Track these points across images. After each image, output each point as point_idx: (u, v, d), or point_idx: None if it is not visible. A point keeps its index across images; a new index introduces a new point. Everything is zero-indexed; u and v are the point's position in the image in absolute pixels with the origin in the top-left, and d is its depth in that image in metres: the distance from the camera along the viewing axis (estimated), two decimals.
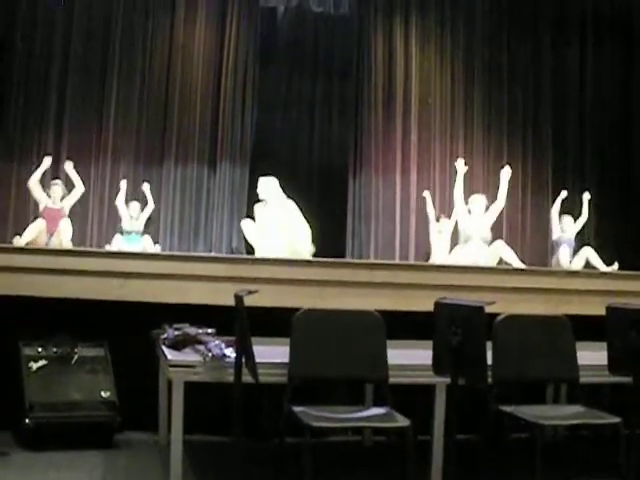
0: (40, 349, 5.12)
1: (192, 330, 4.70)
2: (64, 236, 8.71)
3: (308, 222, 8.67)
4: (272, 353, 4.25)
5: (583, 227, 10.22)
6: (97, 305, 5.12)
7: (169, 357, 4.36)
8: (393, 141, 10.78)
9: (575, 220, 9.98)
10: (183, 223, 10.28)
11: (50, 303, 5.05)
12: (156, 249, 9.32)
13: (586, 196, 10.07)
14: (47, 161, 9.08)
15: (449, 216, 9.80)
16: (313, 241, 8.62)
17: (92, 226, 9.91)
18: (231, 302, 3.95)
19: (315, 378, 4.26)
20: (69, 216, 8.97)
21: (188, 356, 4.40)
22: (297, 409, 4.04)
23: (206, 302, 5.11)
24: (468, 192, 10.06)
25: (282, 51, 11.18)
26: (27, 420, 4.84)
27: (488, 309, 3.55)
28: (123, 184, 9.69)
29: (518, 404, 4.30)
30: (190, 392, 4.22)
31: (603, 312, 4.22)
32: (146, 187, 9.70)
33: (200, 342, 4.52)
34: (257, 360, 3.82)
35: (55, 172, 9.67)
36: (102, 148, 10.04)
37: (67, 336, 5.20)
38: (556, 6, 11.20)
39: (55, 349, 5.15)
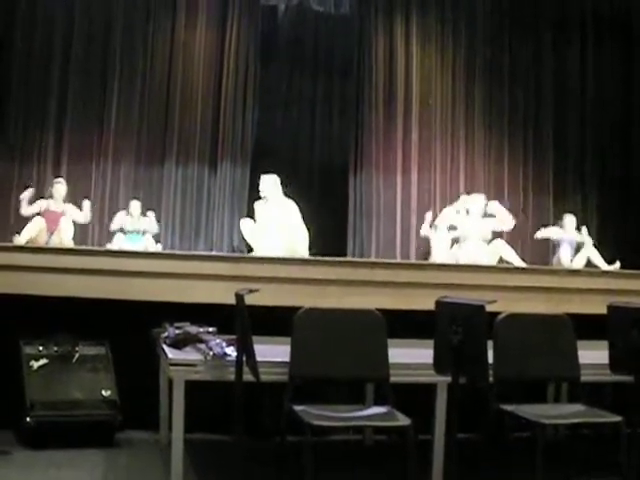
0: (41, 348, 5.12)
1: (193, 329, 4.70)
2: (65, 235, 8.71)
3: (309, 221, 8.68)
4: (273, 352, 4.25)
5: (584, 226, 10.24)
6: (98, 304, 5.12)
7: (170, 356, 4.35)
8: (394, 140, 10.78)
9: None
10: (184, 222, 10.28)
11: (51, 302, 5.05)
12: (157, 248, 9.31)
13: (584, 231, 9.96)
14: (28, 192, 8.97)
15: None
16: (312, 242, 8.63)
17: (93, 225, 9.91)
18: (232, 301, 3.95)
19: (316, 377, 4.26)
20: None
21: (189, 355, 4.40)
22: (298, 408, 4.04)
23: (207, 301, 5.11)
24: (468, 192, 10.10)
25: (283, 50, 11.18)
26: (28, 419, 4.85)
27: (489, 308, 3.55)
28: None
29: (519, 403, 4.30)
30: (191, 391, 4.22)
31: (604, 311, 4.22)
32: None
33: (201, 341, 4.52)
34: (258, 359, 3.82)
35: (56, 172, 9.69)
36: (103, 148, 10.04)
37: (68, 335, 5.20)
38: (557, 7, 11.20)
39: (56, 348, 5.15)
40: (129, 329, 5.18)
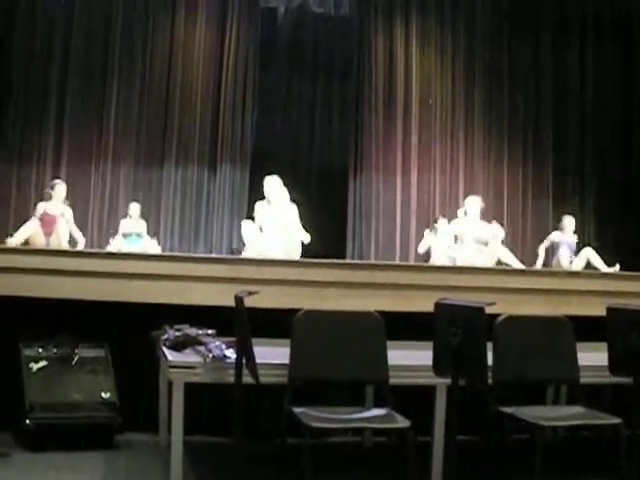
0: (40, 350, 5.11)
1: (192, 331, 4.69)
2: (62, 237, 8.66)
3: (308, 223, 8.67)
4: (272, 354, 4.25)
5: (583, 228, 10.25)
6: (97, 306, 5.12)
7: (169, 358, 4.35)
8: (393, 142, 10.79)
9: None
10: (183, 224, 10.30)
11: (50, 304, 5.04)
12: (157, 250, 9.32)
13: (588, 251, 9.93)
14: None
15: (445, 216, 9.83)
16: (311, 244, 8.61)
17: (92, 227, 9.92)
18: (231, 303, 3.95)
19: (315, 379, 4.26)
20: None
21: (188, 357, 4.40)
22: (297, 410, 4.04)
23: (206, 303, 5.11)
24: (467, 194, 10.09)
25: (282, 52, 11.21)
26: (27, 421, 4.84)
27: (488, 310, 3.55)
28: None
29: (518, 405, 4.29)
30: (190, 393, 4.21)
31: (603, 313, 4.21)
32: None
33: (200, 343, 4.52)
34: (257, 361, 3.82)
35: (56, 174, 9.69)
36: (102, 150, 10.06)
37: (68, 337, 5.20)
38: (556, 8, 11.23)
39: (55, 350, 5.14)
40: (129, 331, 5.18)
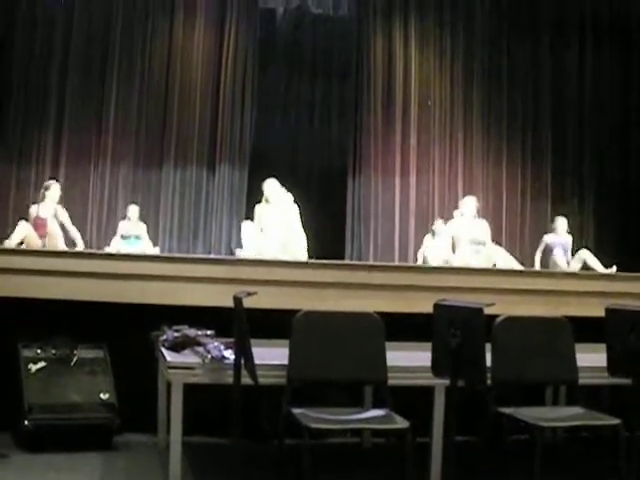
0: (39, 351, 5.11)
1: (191, 332, 4.69)
2: (55, 237, 8.57)
3: (307, 224, 8.68)
4: (271, 355, 4.25)
5: (582, 230, 10.26)
6: (96, 307, 5.11)
7: (168, 359, 4.35)
8: (392, 143, 10.79)
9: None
10: (182, 225, 10.29)
11: (49, 305, 5.04)
12: (155, 251, 9.32)
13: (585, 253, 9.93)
14: None
15: (443, 217, 9.85)
16: (310, 245, 8.63)
17: (91, 228, 9.92)
18: (230, 304, 3.95)
19: (314, 380, 4.26)
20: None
21: (187, 358, 4.40)
22: (296, 411, 4.04)
23: (205, 304, 5.11)
24: (466, 195, 10.09)
25: (281, 53, 11.20)
26: (26, 422, 4.84)
27: (487, 311, 3.55)
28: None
29: (517, 406, 4.30)
30: (189, 394, 4.21)
31: (602, 314, 4.22)
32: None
33: (199, 344, 4.52)
34: (256, 362, 3.82)
35: (55, 174, 9.69)
36: (101, 150, 10.05)
37: (66, 338, 5.20)
38: (555, 10, 11.22)
39: (54, 351, 5.14)
40: (127, 332, 5.18)
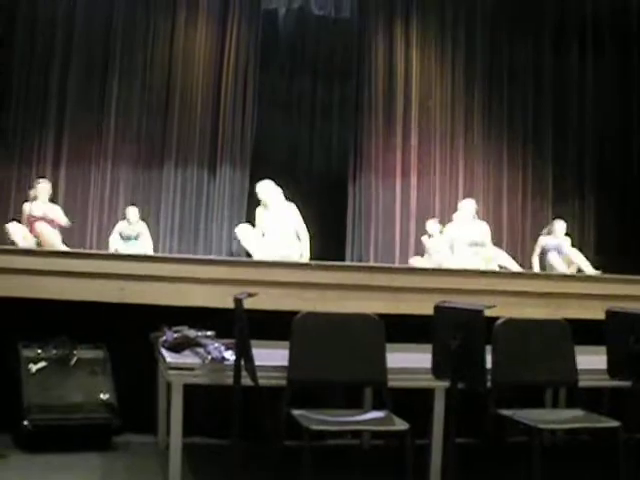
0: (39, 351, 5.11)
1: (191, 333, 4.69)
2: (46, 237, 8.51)
3: (308, 225, 8.67)
4: (271, 356, 4.25)
5: (582, 231, 10.26)
6: (96, 307, 5.11)
7: (168, 359, 4.35)
8: (393, 145, 10.79)
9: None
10: (183, 227, 10.29)
11: (50, 305, 5.04)
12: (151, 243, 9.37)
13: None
14: None
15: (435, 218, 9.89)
16: (311, 247, 8.62)
17: (92, 229, 9.92)
18: (231, 305, 3.95)
19: (314, 381, 4.26)
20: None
21: (187, 359, 4.39)
22: (296, 412, 4.04)
23: (206, 305, 5.11)
24: (467, 196, 10.10)
25: (283, 54, 11.20)
26: (26, 422, 4.83)
27: (487, 313, 3.55)
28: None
29: (517, 408, 4.29)
30: (189, 395, 4.21)
31: (602, 316, 4.22)
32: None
33: (199, 345, 4.52)
34: (256, 363, 3.82)
35: (56, 175, 9.69)
36: (102, 151, 10.05)
37: (66, 338, 5.19)
38: (556, 12, 11.23)
39: (54, 351, 5.14)
40: (128, 332, 5.18)
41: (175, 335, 4.67)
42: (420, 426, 4.16)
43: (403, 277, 5.94)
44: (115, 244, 9.35)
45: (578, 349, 4.52)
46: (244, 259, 8.09)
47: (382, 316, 4.41)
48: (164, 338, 4.68)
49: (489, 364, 3.85)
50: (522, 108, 11.20)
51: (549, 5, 11.22)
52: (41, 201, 8.76)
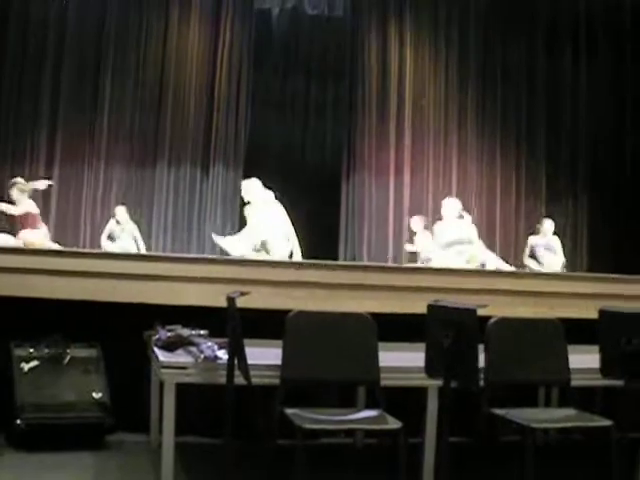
0: (32, 350, 5.10)
1: (184, 331, 4.69)
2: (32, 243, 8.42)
3: (301, 224, 8.67)
4: (264, 355, 4.25)
5: (576, 230, 10.29)
6: (89, 306, 5.11)
7: (161, 358, 4.35)
8: (386, 143, 10.80)
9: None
10: (176, 225, 10.29)
11: (42, 304, 5.03)
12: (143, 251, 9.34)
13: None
14: None
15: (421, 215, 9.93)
16: (302, 248, 8.61)
17: (85, 227, 9.91)
18: (223, 304, 3.95)
19: (307, 380, 4.26)
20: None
21: (180, 357, 4.39)
22: (289, 411, 4.04)
23: (198, 303, 5.10)
24: (460, 195, 10.10)
25: (276, 53, 11.20)
26: (18, 421, 4.82)
27: (481, 312, 3.56)
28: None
29: (510, 407, 4.30)
30: (182, 393, 4.21)
31: (595, 315, 4.22)
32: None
33: (192, 343, 4.51)
34: (249, 362, 3.82)
35: (49, 174, 9.67)
36: (95, 151, 10.05)
37: (59, 337, 5.18)
38: (549, 10, 11.23)
39: (47, 350, 5.12)
40: (120, 331, 5.17)
41: (168, 334, 4.66)
42: (413, 425, 4.16)
43: (396, 276, 5.95)
44: (105, 245, 9.33)
45: (571, 348, 4.52)
46: (237, 258, 8.08)
47: (375, 315, 4.41)
48: (157, 337, 4.68)
49: (482, 363, 3.85)
50: (515, 107, 11.22)
51: (542, 3, 11.23)
52: (17, 202, 8.60)
